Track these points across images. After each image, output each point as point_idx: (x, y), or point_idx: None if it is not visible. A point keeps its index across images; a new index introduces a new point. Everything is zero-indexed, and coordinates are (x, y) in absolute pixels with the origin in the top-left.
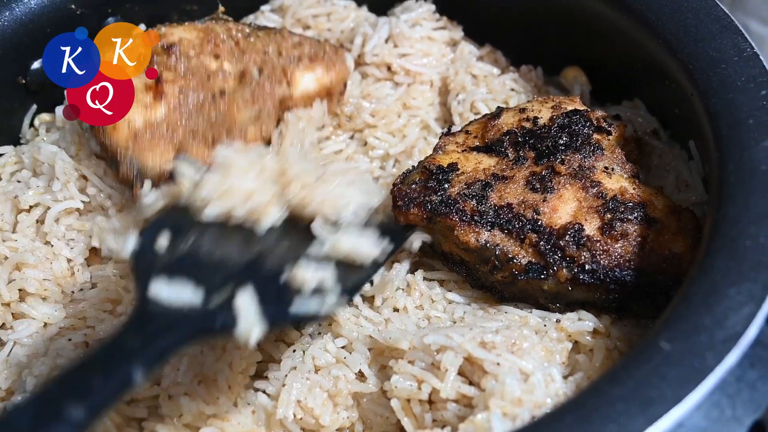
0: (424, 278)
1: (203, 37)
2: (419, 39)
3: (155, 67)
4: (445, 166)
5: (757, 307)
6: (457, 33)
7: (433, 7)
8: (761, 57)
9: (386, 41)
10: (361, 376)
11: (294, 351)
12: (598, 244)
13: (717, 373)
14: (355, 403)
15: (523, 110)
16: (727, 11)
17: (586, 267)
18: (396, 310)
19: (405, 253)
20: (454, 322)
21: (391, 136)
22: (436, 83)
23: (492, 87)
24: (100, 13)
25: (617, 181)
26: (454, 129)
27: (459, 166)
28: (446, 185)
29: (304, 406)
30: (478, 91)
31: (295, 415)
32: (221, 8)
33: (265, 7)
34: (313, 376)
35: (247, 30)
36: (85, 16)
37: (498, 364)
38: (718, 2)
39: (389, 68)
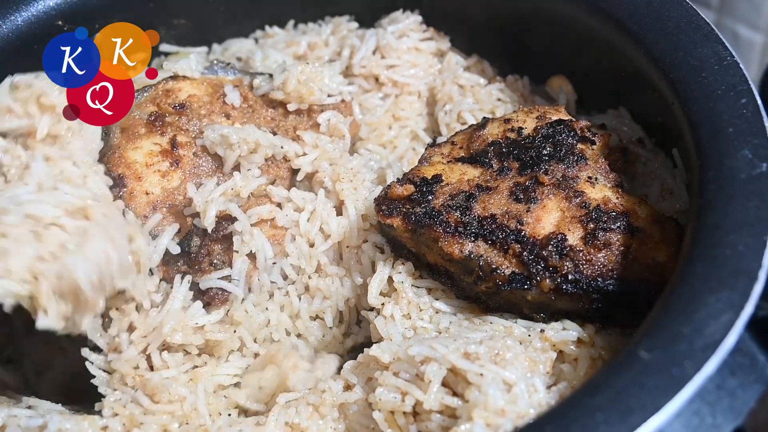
0: (412, 285)
1: (212, 93)
2: (406, 50)
3: (167, 128)
4: (430, 177)
5: (735, 315)
6: (444, 44)
7: (419, 18)
8: (742, 65)
9: (374, 53)
10: (347, 387)
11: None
12: (580, 254)
13: (696, 382)
14: (341, 415)
15: (508, 121)
16: (707, 20)
17: (569, 277)
18: (383, 317)
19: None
20: (439, 333)
21: (382, 147)
22: (424, 94)
23: (479, 97)
24: (88, 30)
25: (600, 191)
26: (441, 140)
27: (443, 178)
28: (430, 197)
29: (292, 424)
30: (464, 102)
31: None
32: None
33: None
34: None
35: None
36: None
37: (481, 375)
38: (698, 11)
39: (377, 79)
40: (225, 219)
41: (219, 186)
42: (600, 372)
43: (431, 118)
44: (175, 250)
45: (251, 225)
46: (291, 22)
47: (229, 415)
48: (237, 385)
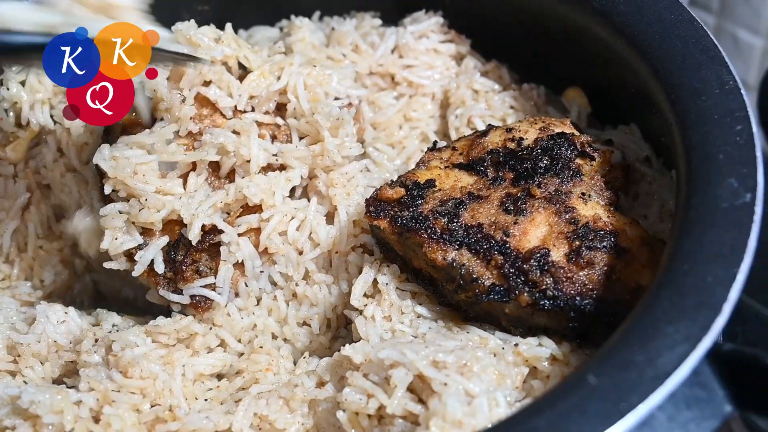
0: (397, 288)
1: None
2: (424, 51)
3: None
4: (423, 182)
5: (691, 347)
6: (464, 47)
7: (441, 19)
8: (743, 91)
9: (392, 51)
10: (320, 384)
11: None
12: (561, 271)
13: (639, 412)
14: (311, 411)
15: (510, 130)
16: (716, 42)
17: (548, 293)
18: (364, 318)
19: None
20: (416, 337)
21: (390, 147)
22: (439, 96)
23: (491, 103)
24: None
25: (592, 209)
26: (442, 144)
27: (437, 183)
28: (420, 201)
29: (260, 416)
30: (476, 107)
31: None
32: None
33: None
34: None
35: None
36: None
37: (445, 384)
38: (708, 32)
39: (393, 78)
40: (212, 230)
41: (208, 198)
42: (547, 393)
43: (443, 121)
44: (160, 269)
45: (239, 234)
46: (317, 14)
47: (206, 400)
48: (219, 377)
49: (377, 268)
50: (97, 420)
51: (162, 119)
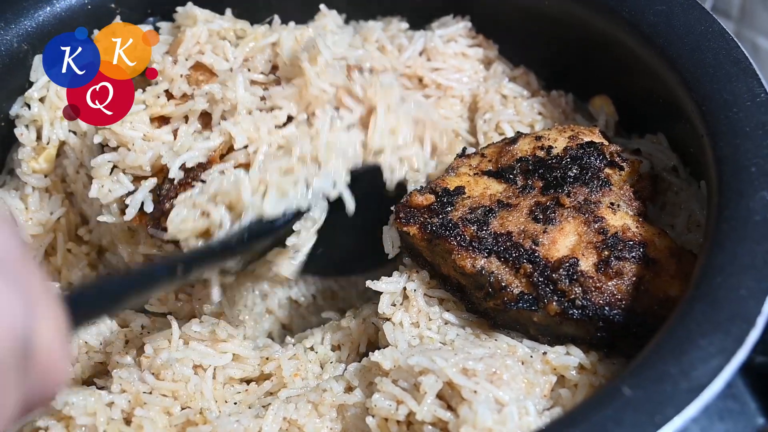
0: (425, 294)
1: None
2: (453, 55)
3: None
4: (452, 189)
5: (726, 360)
6: (492, 52)
7: (469, 24)
8: None
9: (420, 54)
10: (348, 389)
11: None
12: (590, 281)
13: (675, 424)
14: (339, 415)
15: (539, 138)
16: (746, 54)
17: (577, 302)
18: (392, 324)
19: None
20: (444, 344)
21: None
22: (467, 99)
23: (520, 109)
24: (140, 12)
25: (621, 219)
26: (473, 150)
27: (466, 190)
28: (449, 208)
29: (290, 420)
30: (505, 112)
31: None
32: None
33: None
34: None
35: None
36: (124, 15)
37: (475, 392)
38: (739, 44)
39: (420, 80)
40: (198, 168)
41: (193, 141)
42: (581, 404)
43: (471, 124)
44: (149, 209)
45: (234, 167)
46: (343, 17)
47: (235, 404)
48: (248, 381)
49: (407, 277)
50: (128, 422)
51: (156, 83)
